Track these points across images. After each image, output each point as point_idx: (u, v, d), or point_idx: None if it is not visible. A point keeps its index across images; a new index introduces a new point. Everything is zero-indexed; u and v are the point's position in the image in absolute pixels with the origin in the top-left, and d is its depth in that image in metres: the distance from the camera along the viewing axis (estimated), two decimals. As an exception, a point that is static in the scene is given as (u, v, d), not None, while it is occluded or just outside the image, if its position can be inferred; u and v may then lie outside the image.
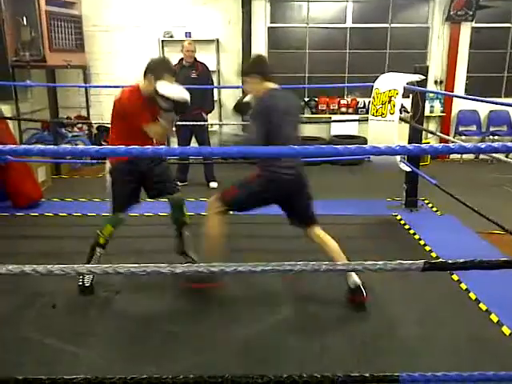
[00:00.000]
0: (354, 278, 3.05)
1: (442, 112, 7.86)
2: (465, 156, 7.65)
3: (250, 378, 1.61)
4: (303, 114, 7.66)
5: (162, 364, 2.50)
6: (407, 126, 5.00)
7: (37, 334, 2.78)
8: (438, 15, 7.60)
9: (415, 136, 4.92)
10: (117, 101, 3.19)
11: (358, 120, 7.37)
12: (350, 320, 2.98)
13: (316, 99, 7.68)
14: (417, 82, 4.55)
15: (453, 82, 7.73)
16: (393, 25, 7.67)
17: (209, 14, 7.46)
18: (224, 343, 2.72)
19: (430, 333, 2.83)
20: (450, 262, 1.70)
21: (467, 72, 7.79)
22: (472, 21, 7.52)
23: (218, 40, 7.46)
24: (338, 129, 7.56)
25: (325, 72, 7.71)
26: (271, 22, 7.66)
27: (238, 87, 7.47)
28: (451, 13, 7.40)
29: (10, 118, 5.75)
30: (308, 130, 7.58)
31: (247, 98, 3.37)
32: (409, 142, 4.84)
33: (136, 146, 1.40)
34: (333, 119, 7.54)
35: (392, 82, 4.61)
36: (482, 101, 4.06)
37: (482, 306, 3.08)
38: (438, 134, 6.61)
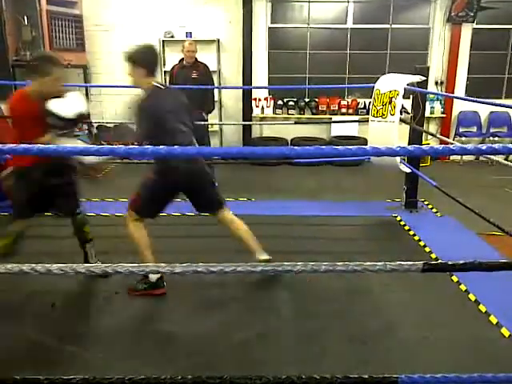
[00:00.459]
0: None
1: (443, 113, 7.86)
2: (465, 157, 7.64)
3: (249, 380, 1.61)
4: (303, 113, 7.67)
5: (161, 364, 2.50)
6: (407, 127, 4.99)
7: (36, 333, 2.78)
8: (439, 16, 7.59)
9: (415, 137, 4.92)
10: (8, 108, 2.95)
11: (359, 121, 7.36)
12: (349, 321, 2.97)
13: (316, 100, 7.68)
14: (417, 82, 4.55)
15: (453, 83, 7.72)
16: (394, 25, 7.66)
17: (210, 13, 7.46)
18: (223, 344, 2.72)
19: (429, 334, 2.82)
20: (449, 263, 1.70)
21: (468, 73, 7.78)
22: (473, 22, 7.52)
23: (218, 40, 7.46)
24: (338, 130, 7.56)
25: (325, 73, 7.71)
26: (272, 23, 7.66)
27: (238, 88, 7.49)
28: (452, 14, 7.40)
29: (7, 117, 5.73)
30: (308, 131, 7.61)
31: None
32: (409, 143, 4.83)
33: (135, 146, 1.40)
34: (333, 120, 7.54)
35: (393, 83, 4.61)
36: (483, 102, 4.06)
37: (482, 308, 3.08)
38: (438, 136, 6.62)
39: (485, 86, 7.78)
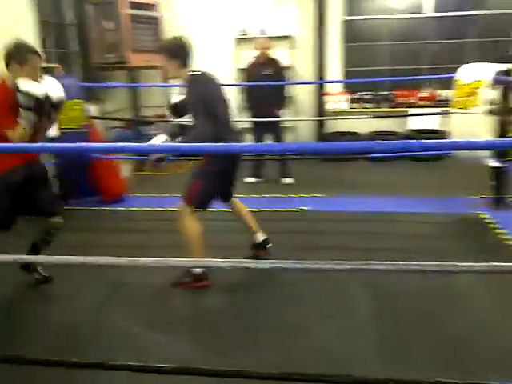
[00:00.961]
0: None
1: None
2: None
3: (336, 377, 1.59)
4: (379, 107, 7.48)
5: (244, 358, 2.53)
6: (494, 118, 4.70)
7: (125, 322, 2.93)
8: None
9: (503, 129, 4.62)
10: None
11: (438, 113, 7.04)
12: (433, 322, 2.85)
13: (393, 93, 7.44)
14: (505, 71, 4.27)
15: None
16: (476, 12, 7.23)
17: (283, 10, 7.46)
18: (303, 340, 2.71)
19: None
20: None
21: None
22: None
23: (291, 36, 7.44)
24: (416, 123, 7.28)
25: (403, 64, 7.45)
26: (347, 15, 7.51)
27: (311, 83, 7.44)
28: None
29: (97, 118, 6.09)
30: (384, 125, 7.38)
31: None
32: (497, 136, 4.55)
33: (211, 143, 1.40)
34: (411, 113, 7.27)
35: (477, 73, 4.36)
36: None
37: None
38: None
39: None
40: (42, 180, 3.16)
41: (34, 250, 3.19)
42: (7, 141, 2.69)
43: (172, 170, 6.76)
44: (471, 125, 4.31)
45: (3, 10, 4.83)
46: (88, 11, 6.63)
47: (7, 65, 2.84)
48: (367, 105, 7.52)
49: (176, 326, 2.92)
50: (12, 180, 2.92)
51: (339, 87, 7.64)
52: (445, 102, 7.19)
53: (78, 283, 3.39)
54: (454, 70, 4.68)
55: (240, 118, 7.57)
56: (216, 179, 3.24)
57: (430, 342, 2.64)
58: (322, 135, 7.52)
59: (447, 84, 7.18)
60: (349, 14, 7.53)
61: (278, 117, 5.99)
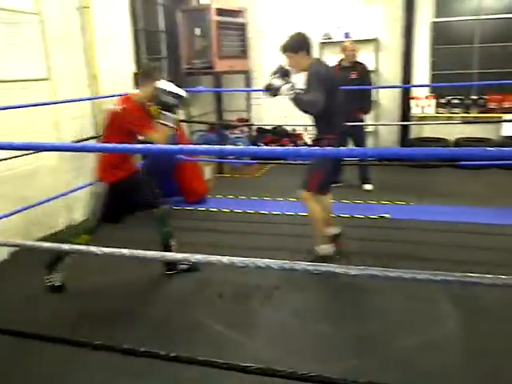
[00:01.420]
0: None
1: None
2: None
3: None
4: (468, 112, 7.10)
5: (320, 363, 2.52)
6: None
7: (206, 319, 3.03)
8: None
9: None
10: (119, 111, 3.18)
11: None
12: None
13: (485, 97, 7.03)
14: None
15: None
16: None
17: (368, 13, 7.33)
18: (382, 350, 2.65)
19: None
20: None
21: None
22: None
23: (377, 39, 7.29)
24: (510, 130, 6.81)
25: (497, 67, 7.02)
26: (437, 17, 7.22)
27: (396, 87, 7.23)
28: None
29: (184, 121, 6.34)
30: (473, 130, 6.99)
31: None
32: None
33: (290, 147, 1.43)
34: (504, 119, 6.83)
35: None
36: None
37: None
38: None
39: None
40: (141, 182, 3.49)
41: (166, 249, 3.41)
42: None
43: (250, 173, 6.90)
44: None
45: (106, 20, 5.18)
46: (178, 19, 6.92)
47: (140, 79, 3.33)
48: (455, 109, 7.17)
49: (255, 326, 2.97)
50: (116, 191, 3.29)
51: (426, 91, 7.36)
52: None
53: (162, 278, 3.56)
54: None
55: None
56: (331, 166, 3.54)
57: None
58: (406, 141, 7.28)
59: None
60: (438, 16, 7.23)
61: (362, 121, 5.89)
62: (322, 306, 3.19)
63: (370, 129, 7.44)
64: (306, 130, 7.88)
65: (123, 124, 3.13)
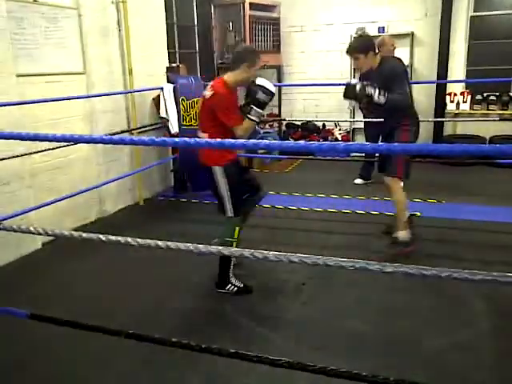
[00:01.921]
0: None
1: None
2: None
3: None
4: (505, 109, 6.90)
5: (349, 360, 2.51)
6: None
7: (232, 312, 3.06)
8: None
9: None
10: (210, 97, 3.05)
11: None
12: None
13: (524, 94, 6.82)
14: None
15: None
16: None
17: (403, 6, 7.20)
18: (413, 349, 2.62)
19: None
20: None
21: None
22: None
23: (412, 33, 7.15)
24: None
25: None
26: (475, 11, 7.03)
27: (432, 82, 7.09)
28: None
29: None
30: (509, 128, 6.78)
31: (354, 82, 3.64)
32: None
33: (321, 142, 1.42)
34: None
35: None
36: None
37: None
38: None
39: None
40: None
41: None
42: (229, 136, 2.96)
43: (279, 168, 6.89)
44: None
45: (141, 14, 5.25)
46: (212, 13, 6.96)
47: (237, 63, 3.12)
48: (492, 106, 6.97)
49: (284, 321, 2.98)
50: (236, 168, 3.27)
51: (461, 87, 7.18)
52: None
53: (191, 271, 3.60)
54: None
55: (355, 118, 7.50)
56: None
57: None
58: (440, 138, 7.13)
59: None
60: (476, 10, 7.03)
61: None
62: (349, 303, 3.17)
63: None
64: (336, 125, 7.82)
65: (213, 110, 3.04)
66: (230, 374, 2.43)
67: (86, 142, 2.20)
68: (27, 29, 4.03)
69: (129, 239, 1.67)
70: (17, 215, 3.63)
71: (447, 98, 7.10)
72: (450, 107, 7.12)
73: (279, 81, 7.69)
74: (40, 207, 3.94)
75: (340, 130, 7.84)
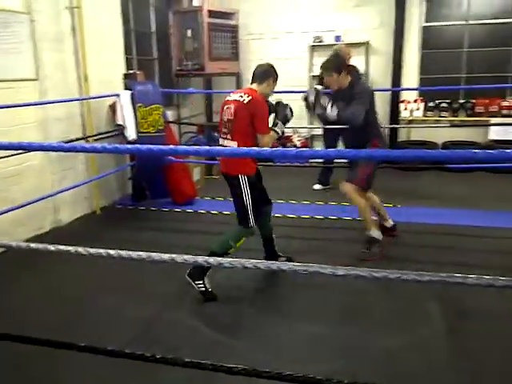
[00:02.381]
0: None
1: None
2: None
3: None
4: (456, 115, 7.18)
5: (306, 363, 2.53)
6: None
7: (192, 320, 3.03)
8: None
9: None
10: (252, 103, 3.17)
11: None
12: (509, 344, 2.70)
13: (473, 101, 7.11)
14: None
15: None
16: None
17: (359, 17, 7.38)
18: (369, 350, 2.67)
19: None
20: None
21: None
22: None
23: (368, 42, 7.34)
24: (497, 133, 6.89)
25: (484, 72, 7.10)
26: (426, 21, 7.29)
27: (387, 90, 7.28)
28: None
29: (173, 122, 6.34)
30: (460, 135, 7.06)
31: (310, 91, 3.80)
32: None
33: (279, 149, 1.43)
34: (492, 122, 6.90)
35: None
36: None
37: None
38: None
39: None
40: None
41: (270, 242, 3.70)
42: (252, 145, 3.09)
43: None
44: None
45: (97, 20, 5.16)
46: (170, 20, 6.92)
47: (264, 77, 3.31)
48: (444, 113, 7.24)
49: (242, 328, 2.98)
50: (256, 180, 3.40)
51: (415, 95, 7.42)
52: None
53: (150, 280, 3.55)
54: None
55: (311, 125, 7.60)
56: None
57: (505, 364, 2.50)
58: (395, 144, 7.33)
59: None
60: (428, 21, 7.30)
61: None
62: (308, 307, 3.20)
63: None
64: (295, 132, 7.91)
65: (252, 117, 3.15)
66: (189, 384, 2.40)
67: (34, 149, 2.14)
68: (-25, 33, 3.89)
69: (79, 249, 1.63)
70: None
71: (401, 105, 7.32)
72: (404, 114, 7.34)
73: (238, 88, 7.71)
74: (-10, 218, 3.79)
75: (299, 136, 7.93)
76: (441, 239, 4.28)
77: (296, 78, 7.59)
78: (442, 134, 7.04)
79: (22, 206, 4.09)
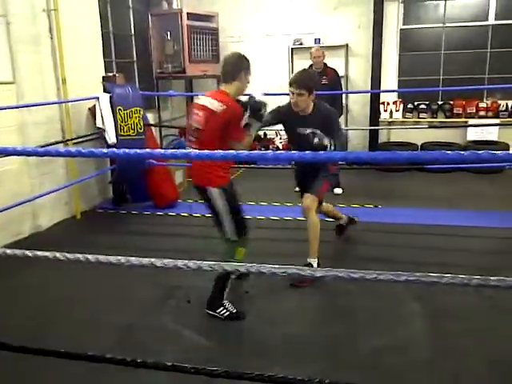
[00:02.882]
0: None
1: None
2: None
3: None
4: (434, 117, 7.29)
5: (288, 365, 2.54)
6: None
7: (174, 324, 3.01)
8: None
9: None
10: (226, 111, 2.83)
11: (500, 124, 6.79)
12: (491, 342, 2.75)
13: (451, 103, 7.23)
14: None
15: None
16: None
17: (338, 19, 7.44)
18: (350, 351, 2.69)
19: None
20: None
21: None
22: None
23: (347, 45, 7.40)
24: (475, 134, 7.02)
25: (461, 74, 7.23)
26: (404, 24, 7.40)
27: (366, 92, 7.35)
28: None
29: (153, 125, 6.30)
30: (440, 135, 7.17)
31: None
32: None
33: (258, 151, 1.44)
34: (471, 124, 7.03)
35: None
36: None
37: None
38: None
39: None
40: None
41: None
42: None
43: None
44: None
45: (74, 22, 5.10)
46: (149, 22, 6.89)
47: (236, 73, 2.92)
48: (423, 114, 7.35)
49: (224, 331, 2.97)
50: (231, 192, 3.05)
51: (394, 97, 7.52)
52: (507, 113, 6.96)
53: (131, 285, 3.52)
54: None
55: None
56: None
57: (484, 362, 2.55)
58: (375, 145, 7.41)
59: (510, 94, 6.96)
60: (405, 23, 7.41)
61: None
62: (291, 309, 3.21)
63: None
64: (277, 134, 7.93)
65: (226, 126, 2.82)
66: (170, 388, 2.39)
67: (9, 154, 2.10)
68: (-51, 36, 3.82)
69: (57, 254, 1.61)
70: None
71: (381, 107, 7.40)
72: (384, 116, 7.43)
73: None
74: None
75: (281, 139, 7.95)
76: (421, 239, 4.33)
77: (276, 81, 7.61)
78: (421, 136, 7.14)
79: (-1, 211, 4.03)
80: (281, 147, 7.91)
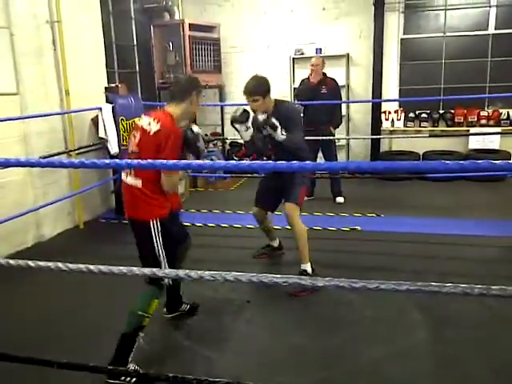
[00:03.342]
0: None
1: None
2: None
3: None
4: (436, 126, 7.30)
5: (291, 376, 2.53)
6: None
7: (176, 335, 3.01)
8: None
9: None
10: (160, 133, 2.50)
11: (501, 133, 6.81)
12: (494, 350, 2.74)
13: (452, 111, 7.25)
14: None
15: None
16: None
17: (339, 29, 7.49)
18: (352, 361, 2.68)
19: None
20: None
21: None
22: None
23: (348, 55, 7.45)
24: (476, 143, 7.04)
25: (462, 82, 7.25)
26: (404, 34, 7.44)
27: (367, 101, 7.39)
28: None
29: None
30: (441, 144, 7.19)
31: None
32: None
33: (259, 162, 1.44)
34: (472, 132, 7.05)
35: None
36: None
37: None
38: None
39: None
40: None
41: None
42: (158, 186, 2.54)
43: (224, 186, 6.92)
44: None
45: (77, 34, 5.16)
46: (151, 33, 6.95)
47: (186, 93, 2.68)
48: (424, 123, 7.37)
49: (226, 341, 2.96)
50: (171, 225, 2.75)
51: (395, 106, 7.54)
52: (508, 121, 6.97)
53: (134, 294, 3.51)
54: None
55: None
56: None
57: (486, 370, 2.54)
58: (377, 154, 7.42)
59: (511, 103, 6.98)
60: (405, 33, 7.45)
61: (333, 135, 5.98)
62: (292, 318, 3.21)
63: (341, 142, 7.57)
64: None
65: (158, 151, 2.47)
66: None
67: (12, 165, 2.11)
68: (-46, 48, 3.86)
69: (60, 265, 1.62)
70: None
71: (382, 116, 7.42)
72: (386, 125, 7.45)
73: (221, 100, 7.77)
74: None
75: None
76: (423, 248, 4.32)
77: (278, 91, 7.65)
78: (422, 144, 7.16)
79: (3, 222, 4.04)
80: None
